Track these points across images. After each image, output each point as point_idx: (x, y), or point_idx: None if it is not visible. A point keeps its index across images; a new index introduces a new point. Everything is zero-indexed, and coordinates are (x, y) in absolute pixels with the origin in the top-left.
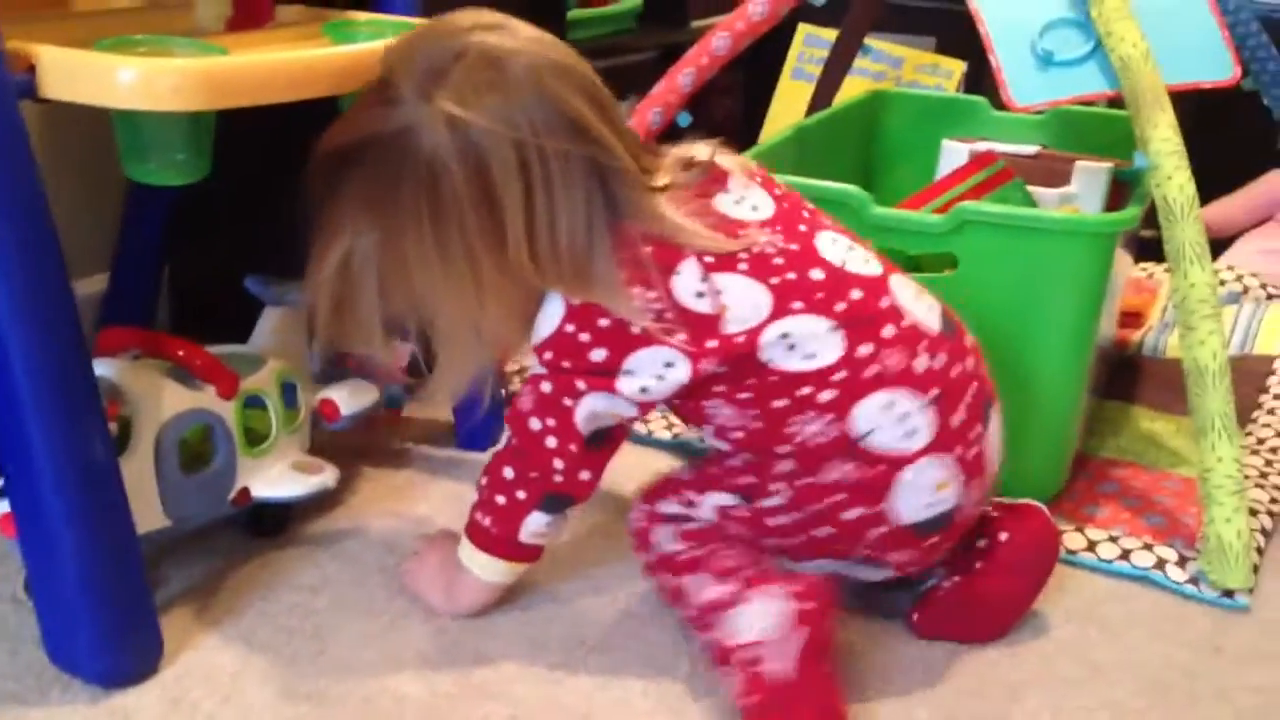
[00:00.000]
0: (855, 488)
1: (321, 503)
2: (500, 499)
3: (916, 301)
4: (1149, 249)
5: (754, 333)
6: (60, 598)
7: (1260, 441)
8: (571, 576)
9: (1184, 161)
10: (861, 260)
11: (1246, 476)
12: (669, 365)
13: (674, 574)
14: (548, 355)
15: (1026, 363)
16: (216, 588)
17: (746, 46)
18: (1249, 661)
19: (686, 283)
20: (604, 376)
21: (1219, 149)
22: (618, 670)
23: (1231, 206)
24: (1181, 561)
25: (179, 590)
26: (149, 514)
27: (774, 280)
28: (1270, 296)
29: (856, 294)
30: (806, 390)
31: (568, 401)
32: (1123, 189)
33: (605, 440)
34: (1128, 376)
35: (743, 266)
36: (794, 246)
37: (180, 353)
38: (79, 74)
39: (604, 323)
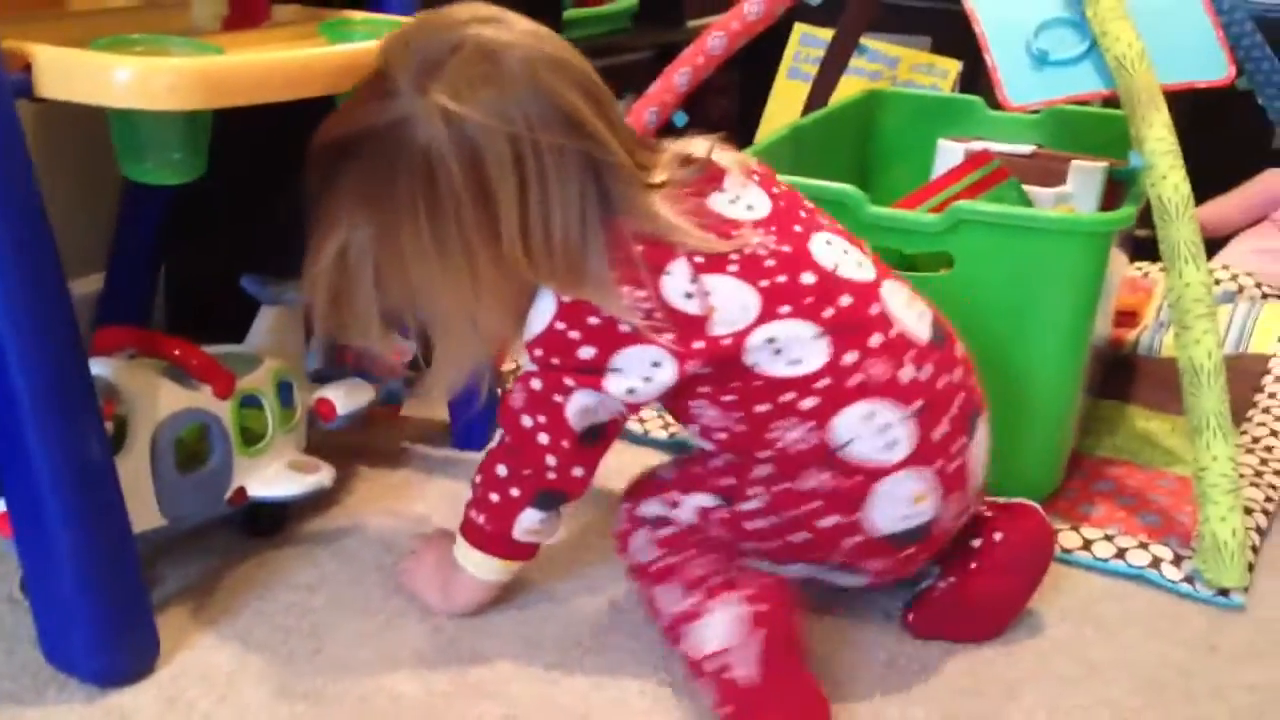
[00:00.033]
0: (831, 496)
1: (318, 502)
2: (494, 496)
3: (907, 309)
4: (1144, 248)
5: (740, 336)
6: (56, 597)
7: (1255, 440)
8: (568, 576)
9: (1179, 161)
10: (855, 264)
11: (1241, 475)
12: (655, 365)
13: (647, 584)
14: (538, 352)
15: (1022, 361)
16: (213, 587)
17: (742, 46)
18: (1244, 660)
19: (676, 283)
20: (592, 374)
21: (1214, 149)
22: (614, 670)
23: (1226, 206)
24: (1177, 560)
25: (175, 589)
26: (145, 513)
27: (763, 283)
28: (1265, 296)
29: (846, 300)
30: (789, 396)
31: (558, 398)
32: (1118, 188)
33: (599, 437)
34: (1123, 375)
35: (733, 268)
36: (786, 248)
37: (176, 352)
38: (75, 73)
39: (593, 321)
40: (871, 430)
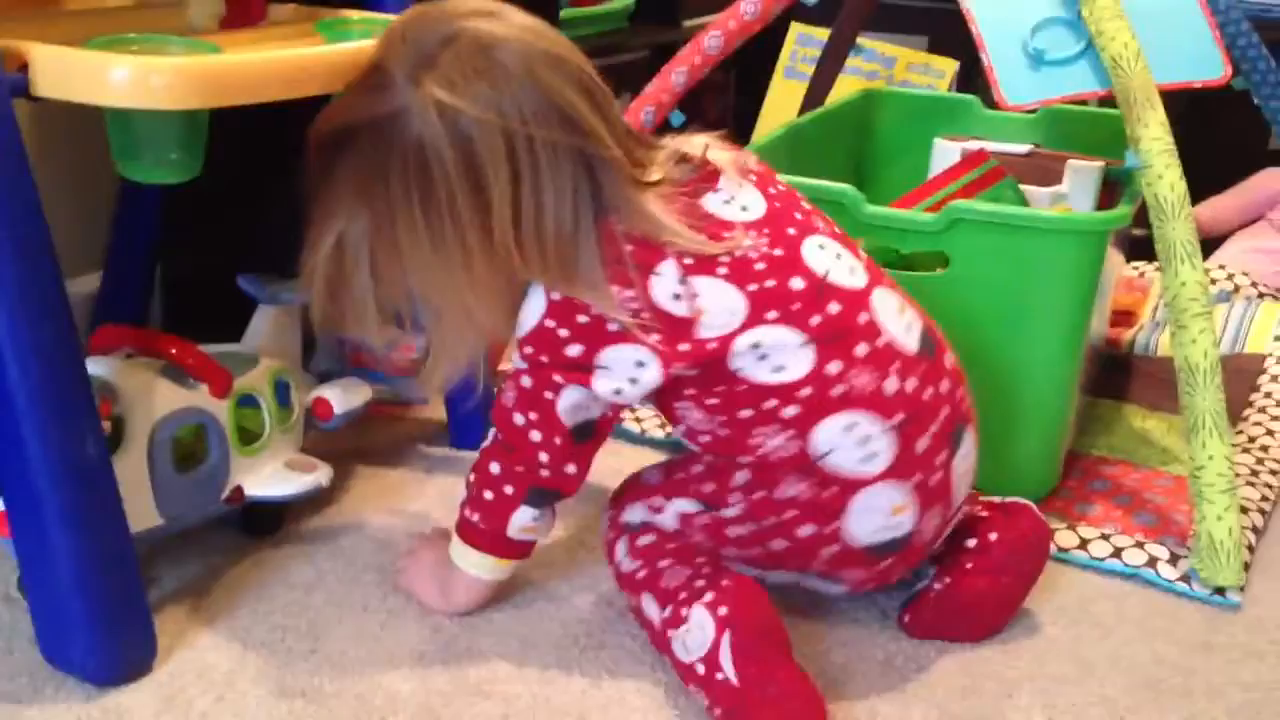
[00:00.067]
0: (808, 506)
1: (315, 501)
2: (488, 495)
3: (897, 318)
4: (1140, 247)
5: (726, 340)
6: (54, 596)
7: (1251, 440)
8: (566, 575)
9: (1175, 160)
10: (847, 270)
11: (1237, 474)
12: (640, 365)
13: (632, 593)
14: (528, 349)
15: (1018, 360)
16: (210, 586)
17: (739, 45)
18: (1240, 659)
19: (664, 284)
20: (579, 372)
21: (1210, 148)
22: (611, 668)
23: (1223, 205)
24: (1173, 559)
25: (173, 588)
26: (142, 513)
27: (752, 287)
28: (1261, 295)
29: (834, 307)
30: (772, 403)
31: (548, 395)
32: (1114, 188)
33: (591, 434)
34: (1119, 375)
35: (723, 270)
36: (778, 252)
37: (173, 351)
38: (72, 72)
39: (582, 319)
40: (852, 442)
